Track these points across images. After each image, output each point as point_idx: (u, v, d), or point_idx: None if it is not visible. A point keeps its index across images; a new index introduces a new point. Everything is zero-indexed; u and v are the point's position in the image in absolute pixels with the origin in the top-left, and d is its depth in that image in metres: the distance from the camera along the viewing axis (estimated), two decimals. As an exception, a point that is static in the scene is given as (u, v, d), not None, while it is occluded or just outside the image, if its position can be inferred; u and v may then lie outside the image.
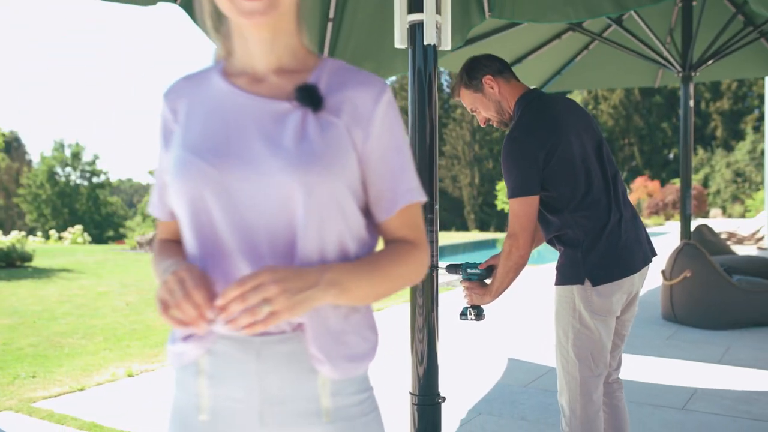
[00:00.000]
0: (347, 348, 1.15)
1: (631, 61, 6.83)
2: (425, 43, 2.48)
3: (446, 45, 2.59)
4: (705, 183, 42.87)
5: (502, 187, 38.79)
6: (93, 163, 53.83)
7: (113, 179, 54.97)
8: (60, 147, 53.07)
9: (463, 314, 2.59)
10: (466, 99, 2.56)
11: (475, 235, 28.69)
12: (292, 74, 1.17)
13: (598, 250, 2.35)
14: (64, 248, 16.29)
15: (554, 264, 2.51)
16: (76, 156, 53.00)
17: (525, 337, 5.90)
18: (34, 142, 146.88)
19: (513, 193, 2.34)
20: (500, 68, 2.50)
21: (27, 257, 11.39)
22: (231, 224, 1.09)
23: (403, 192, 1.18)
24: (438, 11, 2.53)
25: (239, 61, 1.19)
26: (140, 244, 14.43)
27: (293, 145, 1.09)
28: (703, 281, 6.07)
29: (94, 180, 53.66)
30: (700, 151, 46.01)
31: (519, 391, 4.29)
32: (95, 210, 53.35)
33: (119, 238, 48.38)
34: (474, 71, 2.50)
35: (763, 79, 16.72)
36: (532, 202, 2.35)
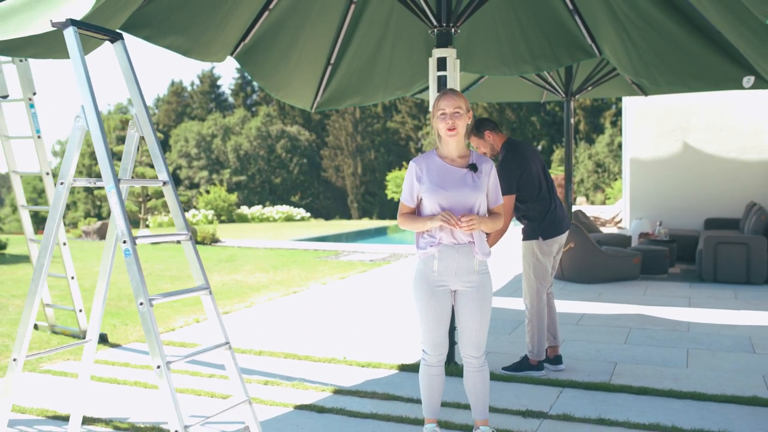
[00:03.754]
0: (484, 250, 3.27)
1: (524, 81, 9.19)
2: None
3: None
4: (571, 173, 47.17)
5: (391, 177, 41.40)
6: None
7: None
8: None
9: None
10: (474, 141, 4.70)
11: (360, 224, 30.83)
12: (464, 158, 3.29)
13: (545, 222, 4.58)
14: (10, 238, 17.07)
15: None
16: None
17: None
18: None
19: (504, 193, 4.49)
20: (494, 126, 4.67)
21: (2, 245, 12.49)
22: (450, 205, 3.18)
23: (498, 198, 3.34)
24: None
25: (443, 151, 3.29)
26: (86, 233, 15.62)
27: (471, 183, 3.21)
28: (583, 250, 8.54)
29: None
30: (567, 144, 50.40)
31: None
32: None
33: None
34: (481, 127, 4.64)
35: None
36: (513, 197, 4.52)
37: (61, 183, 2.83)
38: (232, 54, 5.94)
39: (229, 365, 2.96)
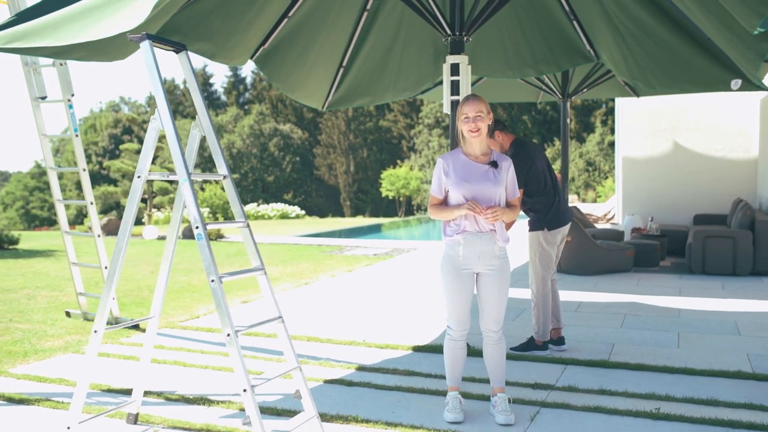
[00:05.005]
0: (504, 237, 3.71)
1: (521, 83, 9.64)
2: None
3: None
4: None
5: (386, 176, 41.83)
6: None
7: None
8: None
9: None
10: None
11: (355, 221, 31.20)
12: (486, 155, 3.73)
13: (550, 214, 5.03)
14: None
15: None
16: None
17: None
18: None
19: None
20: (503, 127, 5.10)
21: (14, 241, 12.83)
22: (474, 197, 3.62)
23: (515, 192, 3.78)
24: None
25: (467, 149, 3.72)
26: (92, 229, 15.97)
27: (493, 178, 3.65)
28: (579, 243, 9.00)
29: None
30: (557, 142, 51.05)
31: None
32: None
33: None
34: (492, 128, 5.07)
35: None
36: (521, 192, 4.96)
37: (138, 176, 3.24)
38: (252, 57, 6.35)
39: (282, 335, 3.38)
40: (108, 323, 6.37)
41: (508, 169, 3.76)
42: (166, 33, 5.16)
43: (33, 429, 3.69)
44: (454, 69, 5.23)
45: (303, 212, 36.38)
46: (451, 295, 3.74)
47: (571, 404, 3.99)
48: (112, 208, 37.79)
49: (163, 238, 15.41)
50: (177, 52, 3.41)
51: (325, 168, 55.66)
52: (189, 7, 5.19)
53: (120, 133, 56.03)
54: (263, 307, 7.19)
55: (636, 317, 6.39)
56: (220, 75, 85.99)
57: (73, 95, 5.89)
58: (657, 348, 5.28)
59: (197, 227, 3.04)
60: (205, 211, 32.50)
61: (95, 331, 3.29)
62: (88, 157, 54.12)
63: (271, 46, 6.35)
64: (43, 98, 5.98)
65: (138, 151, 18.66)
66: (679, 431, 3.56)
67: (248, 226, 3.35)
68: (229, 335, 3.00)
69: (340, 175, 55.44)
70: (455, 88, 5.23)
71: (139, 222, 26.82)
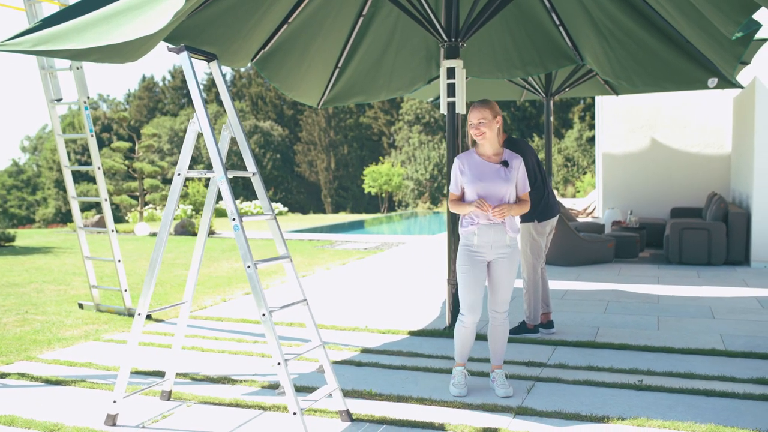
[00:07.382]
0: (514, 228, 4.12)
1: (506, 82, 10.08)
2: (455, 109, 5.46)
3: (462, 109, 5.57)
4: (541, 167, 48.15)
5: (368, 172, 42.25)
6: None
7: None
8: None
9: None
10: (479, 139, 5.53)
11: (337, 218, 31.51)
12: (497, 155, 4.14)
13: (539, 207, 5.45)
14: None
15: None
16: None
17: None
18: None
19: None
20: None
21: (11, 238, 13.03)
22: (486, 195, 4.03)
23: (525, 187, 4.20)
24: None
25: (480, 150, 4.14)
26: (84, 226, 16.22)
27: (504, 176, 4.06)
28: (563, 236, 9.44)
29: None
30: (537, 138, 51.65)
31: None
32: None
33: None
34: (485, 128, 5.47)
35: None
36: (513, 186, 5.37)
37: (178, 174, 3.59)
38: (252, 60, 6.70)
39: (306, 317, 3.75)
40: (121, 314, 6.69)
41: (518, 168, 4.16)
42: (176, 38, 5.49)
43: (78, 404, 4.04)
44: (450, 72, 5.62)
45: (286, 209, 36.61)
46: (465, 281, 4.13)
47: (563, 379, 4.41)
48: (92, 206, 37.81)
49: (154, 234, 15.66)
50: (209, 62, 3.77)
51: (306, 165, 55.66)
52: (196, 14, 5.53)
53: (99, 130, 55.85)
54: (276, 295, 7.55)
55: (618, 303, 6.84)
56: (199, 72, 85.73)
57: (88, 97, 6.20)
58: (638, 330, 5.72)
59: (234, 219, 3.41)
60: (188, 208, 32.61)
61: (139, 314, 3.65)
62: (68, 155, 53.87)
63: (271, 49, 6.70)
64: (59, 100, 6.28)
65: (126, 150, 18.88)
66: (659, 400, 4.00)
67: (275, 218, 3.72)
68: (264, 315, 3.37)
69: (320, 171, 55.42)
70: (451, 90, 5.62)
71: (121, 220, 26.95)
